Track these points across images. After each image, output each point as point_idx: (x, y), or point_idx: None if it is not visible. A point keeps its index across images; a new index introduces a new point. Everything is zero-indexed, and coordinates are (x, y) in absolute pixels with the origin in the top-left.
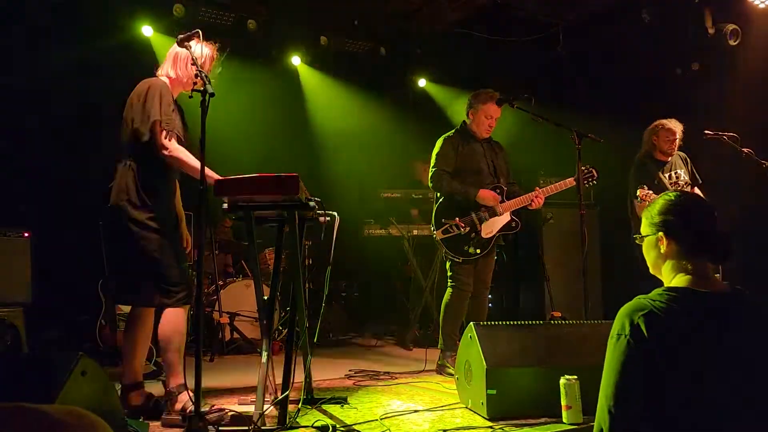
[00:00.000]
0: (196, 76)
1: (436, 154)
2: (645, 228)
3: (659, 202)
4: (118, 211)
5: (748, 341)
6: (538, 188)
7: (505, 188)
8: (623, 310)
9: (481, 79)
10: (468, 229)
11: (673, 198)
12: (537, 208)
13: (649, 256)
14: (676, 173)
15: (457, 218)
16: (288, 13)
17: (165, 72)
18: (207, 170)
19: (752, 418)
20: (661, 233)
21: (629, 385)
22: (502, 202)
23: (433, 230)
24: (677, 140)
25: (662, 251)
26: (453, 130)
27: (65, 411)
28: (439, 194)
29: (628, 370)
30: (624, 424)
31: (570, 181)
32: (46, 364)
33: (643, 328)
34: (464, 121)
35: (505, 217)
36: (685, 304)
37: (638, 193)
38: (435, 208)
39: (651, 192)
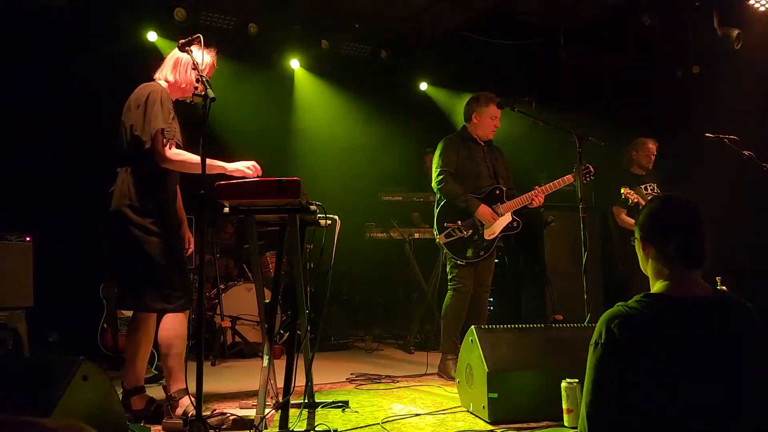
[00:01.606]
0: (197, 80)
1: (439, 156)
2: (635, 230)
3: (646, 206)
4: (120, 215)
5: (722, 345)
6: (537, 187)
7: (505, 189)
8: (602, 317)
9: (482, 83)
10: (470, 231)
11: (654, 203)
12: (538, 207)
13: (639, 256)
14: (651, 185)
15: (459, 221)
16: (289, 17)
17: (164, 76)
18: (215, 161)
19: (724, 421)
20: (640, 237)
21: (604, 391)
22: (501, 203)
23: (436, 234)
24: (654, 156)
25: (644, 254)
26: (454, 133)
27: (64, 425)
28: (440, 197)
29: (603, 376)
30: (600, 430)
31: (568, 178)
32: (48, 369)
33: (616, 334)
34: (464, 125)
35: (507, 218)
36: (659, 311)
37: (622, 191)
38: (437, 212)
39: (633, 191)
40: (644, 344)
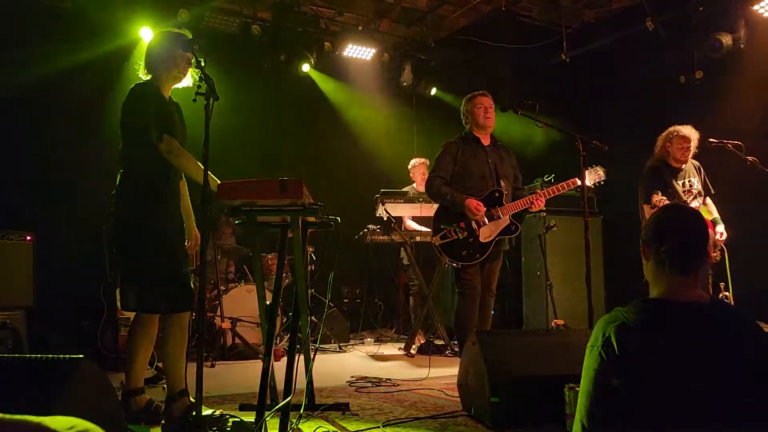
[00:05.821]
0: (200, 79)
1: (435, 159)
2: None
3: (655, 212)
4: (121, 216)
5: (717, 352)
6: (538, 191)
7: (506, 192)
8: (599, 321)
9: (484, 86)
10: (466, 234)
11: (659, 211)
12: (539, 211)
13: (643, 262)
14: (689, 181)
15: (454, 223)
16: (292, 19)
17: (150, 71)
18: (209, 174)
19: (719, 428)
20: (641, 240)
21: (600, 396)
22: (500, 205)
23: (432, 236)
24: (692, 149)
25: (644, 257)
26: (456, 136)
27: (67, 424)
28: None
29: (598, 381)
30: None
31: (572, 182)
32: (49, 368)
33: (613, 339)
34: (464, 129)
35: (504, 221)
36: (655, 315)
37: (653, 199)
38: (433, 214)
39: (665, 198)
40: (640, 349)
